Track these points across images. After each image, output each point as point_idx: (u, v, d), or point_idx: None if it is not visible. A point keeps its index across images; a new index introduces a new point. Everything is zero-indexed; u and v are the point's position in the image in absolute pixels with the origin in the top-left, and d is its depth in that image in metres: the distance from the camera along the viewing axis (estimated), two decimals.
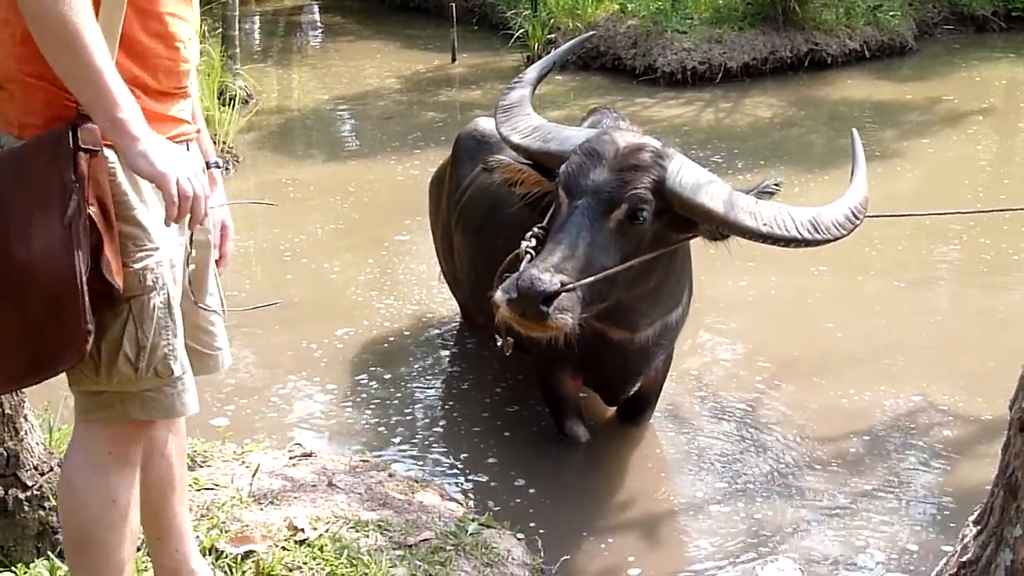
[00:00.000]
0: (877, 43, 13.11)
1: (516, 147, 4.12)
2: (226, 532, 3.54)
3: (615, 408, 4.93)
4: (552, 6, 13.30)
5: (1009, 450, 2.77)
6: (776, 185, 3.86)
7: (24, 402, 3.26)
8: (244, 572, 3.34)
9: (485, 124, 5.29)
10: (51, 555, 3.23)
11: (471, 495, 4.29)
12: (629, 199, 3.63)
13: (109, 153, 2.43)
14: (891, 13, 13.46)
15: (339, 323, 5.97)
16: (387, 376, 5.41)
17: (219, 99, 9.71)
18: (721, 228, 3.69)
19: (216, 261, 2.92)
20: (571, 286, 3.46)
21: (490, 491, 4.42)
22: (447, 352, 5.80)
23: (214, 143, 2.90)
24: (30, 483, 3.24)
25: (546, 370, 4.62)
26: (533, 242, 3.71)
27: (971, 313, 6.21)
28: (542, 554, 3.93)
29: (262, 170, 9.37)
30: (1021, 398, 2.74)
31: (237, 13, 10.93)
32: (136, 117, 2.36)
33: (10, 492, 3.20)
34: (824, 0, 12.89)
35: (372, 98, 12.06)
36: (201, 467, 4.03)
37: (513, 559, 3.71)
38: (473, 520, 3.85)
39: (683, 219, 3.74)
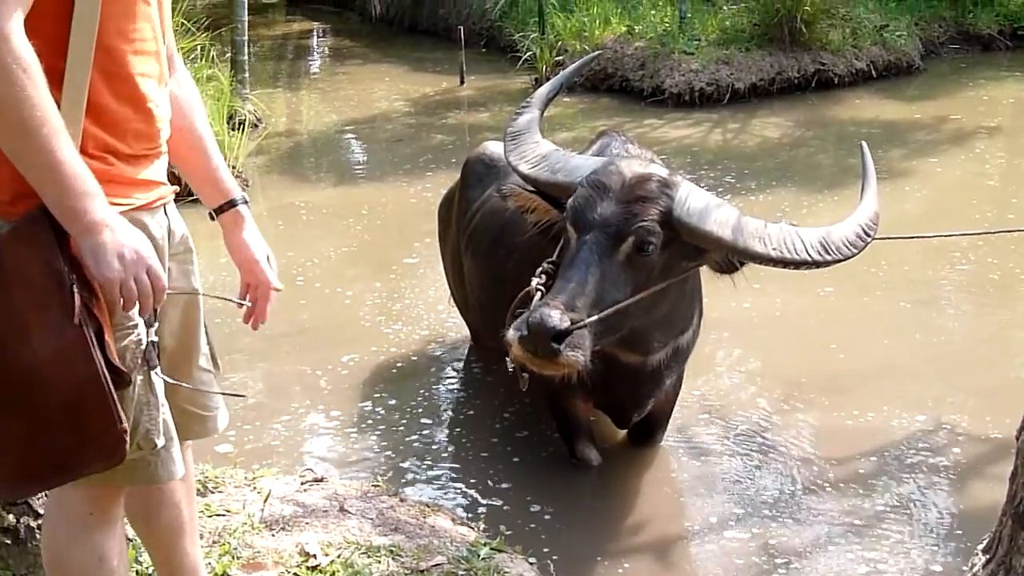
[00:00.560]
0: (884, 63, 13.11)
1: (525, 177, 4.12)
2: (238, 559, 3.54)
3: (626, 431, 4.93)
4: (560, 28, 13.35)
5: (1016, 480, 2.76)
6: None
7: None
8: None
9: (494, 148, 5.31)
10: None
11: (483, 519, 4.28)
12: (636, 232, 3.63)
13: None
14: (897, 33, 13.48)
15: (348, 348, 5.96)
16: (395, 401, 5.40)
17: (228, 124, 9.76)
18: (730, 254, 3.69)
19: (253, 310, 2.83)
20: (582, 323, 3.47)
21: (502, 515, 4.41)
22: (455, 376, 5.80)
23: None
24: (42, 511, 3.24)
25: (557, 394, 4.62)
26: (543, 278, 3.72)
27: (979, 333, 6.20)
28: None
29: (272, 194, 9.40)
30: None
31: (246, 38, 10.98)
32: (91, 207, 2.19)
33: (22, 520, 3.20)
34: (830, 20, 12.89)
35: (381, 121, 12.10)
36: (212, 493, 4.03)
37: None
38: (485, 545, 3.84)
39: (693, 247, 3.74)
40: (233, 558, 3.53)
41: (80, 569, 2.51)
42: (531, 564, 3.88)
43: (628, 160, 3.91)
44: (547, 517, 4.39)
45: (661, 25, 13.25)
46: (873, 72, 12.91)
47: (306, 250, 7.55)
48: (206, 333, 2.75)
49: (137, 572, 3.31)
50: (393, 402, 5.40)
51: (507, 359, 3.68)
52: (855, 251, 3.69)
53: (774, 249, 3.61)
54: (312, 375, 5.69)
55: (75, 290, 2.19)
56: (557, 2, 14.14)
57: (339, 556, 3.58)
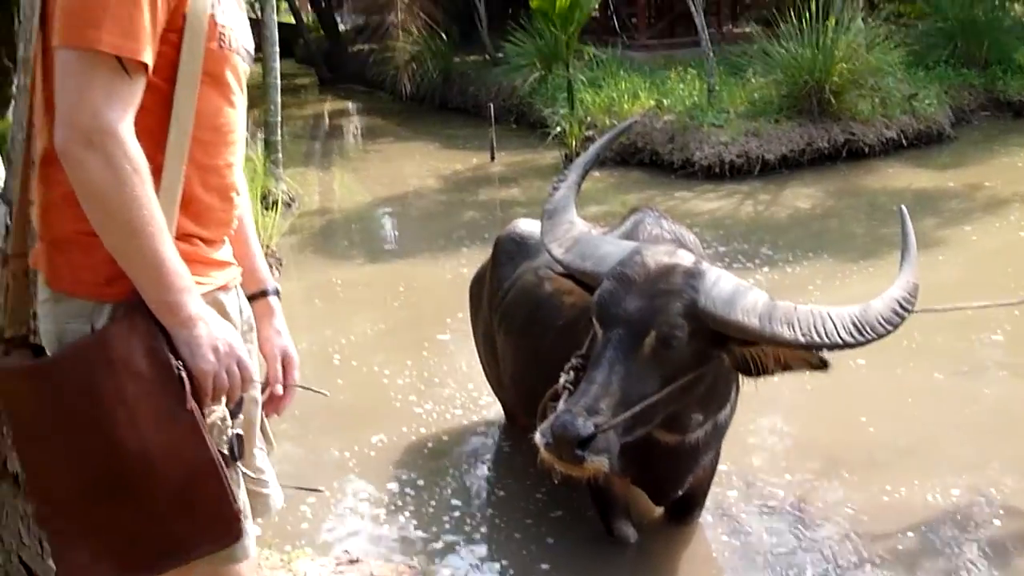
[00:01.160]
0: (914, 131, 13.14)
1: (559, 262, 4.10)
2: None
3: (663, 507, 4.87)
4: (589, 104, 13.48)
5: None
6: None
7: None
8: None
9: (524, 226, 5.32)
10: None
11: None
12: (659, 327, 3.57)
13: None
14: (927, 101, 13.52)
15: (378, 428, 5.93)
16: (425, 482, 5.36)
17: (262, 204, 9.86)
18: (759, 342, 3.63)
19: (279, 398, 2.82)
20: (606, 427, 3.43)
21: None
22: (487, 456, 5.75)
23: None
24: None
25: None
26: (572, 374, 3.68)
27: (1015, 403, 6.09)
28: None
29: (308, 272, 9.47)
30: None
31: (279, 119, 11.14)
32: (188, 301, 2.28)
33: None
34: (859, 91, 12.94)
35: (413, 197, 12.21)
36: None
37: None
38: None
39: (722, 335, 3.69)
40: None
41: None
42: None
43: (653, 250, 3.86)
44: None
45: (689, 98, 13.37)
46: (904, 141, 12.93)
47: (343, 327, 7.58)
48: (265, 426, 2.77)
49: None
50: (423, 483, 5.36)
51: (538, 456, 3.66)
52: (891, 328, 3.60)
53: (803, 334, 3.54)
54: (341, 456, 5.66)
55: (184, 377, 2.25)
56: (586, 78, 14.32)
57: None
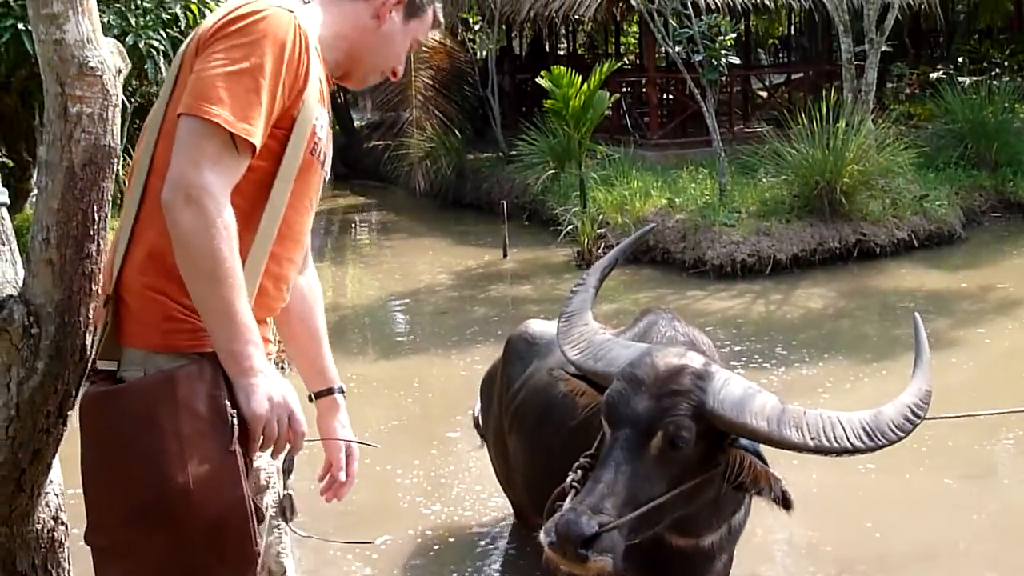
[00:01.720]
0: (925, 232, 13.17)
1: (572, 363, 4.12)
2: None
3: None
4: (601, 202, 13.57)
5: None
6: None
7: None
8: None
9: (536, 326, 5.34)
10: None
11: None
12: (666, 427, 3.56)
13: None
14: (938, 203, 13.58)
15: (384, 529, 5.89)
16: None
17: None
18: (767, 445, 3.62)
19: (340, 485, 3.17)
20: (610, 526, 3.42)
21: None
22: (494, 560, 5.68)
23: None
24: None
25: None
26: (579, 474, 3.68)
27: None
28: None
29: None
30: None
31: None
32: (253, 353, 2.50)
33: None
34: (870, 192, 13.02)
35: (425, 293, 12.25)
36: None
37: None
38: None
39: (730, 438, 3.68)
40: None
41: None
42: None
43: (664, 351, 3.87)
44: None
45: (701, 198, 13.46)
46: (915, 241, 12.97)
47: (356, 424, 7.44)
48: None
49: None
50: None
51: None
52: (902, 435, 3.56)
53: (813, 439, 3.52)
54: (344, 556, 5.60)
55: (235, 423, 2.47)
56: (598, 176, 14.44)
57: None
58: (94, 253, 3.03)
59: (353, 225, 17.71)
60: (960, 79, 18.18)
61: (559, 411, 4.58)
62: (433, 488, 6.52)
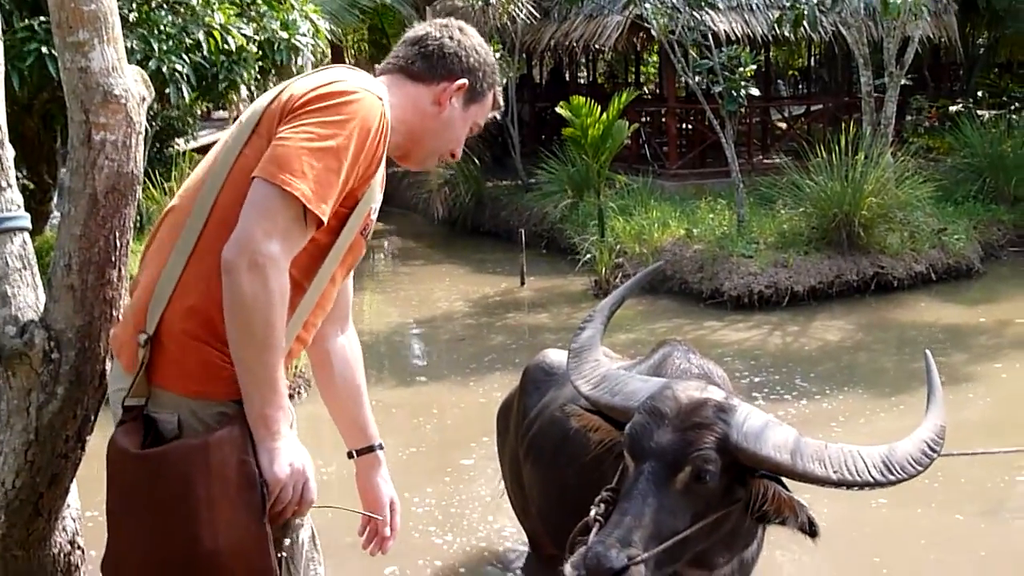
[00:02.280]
0: (943, 266, 13.13)
1: (586, 398, 4.13)
2: None
3: None
4: (619, 231, 13.58)
5: None
6: None
7: None
8: None
9: (553, 356, 5.35)
10: None
11: None
12: (693, 461, 3.57)
13: None
14: (956, 236, 13.54)
15: (394, 561, 5.84)
16: None
17: None
18: (789, 478, 3.63)
19: (385, 539, 3.36)
20: (639, 559, 3.42)
21: None
22: None
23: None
24: None
25: None
26: (602, 507, 3.68)
27: None
28: None
29: None
30: None
31: None
32: (280, 417, 2.57)
33: None
34: (888, 225, 13.00)
35: (442, 321, 12.26)
36: None
37: None
38: None
39: (753, 470, 3.69)
40: None
41: None
42: None
43: (684, 384, 3.88)
44: None
45: (719, 228, 13.46)
46: (933, 275, 12.92)
47: None
48: None
49: None
50: None
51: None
52: (920, 469, 3.58)
53: (835, 472, 3.54)
54: None
55: (264, 491, 2.52)
56: (616, 206, 14.45)
57: None
58: (115, 279, 3.06)
59: (371, 251, 17.74)
60: (979, 113, 18.18)
61: (574, 444, 4.58)
62: (445, 518, 6.50)
